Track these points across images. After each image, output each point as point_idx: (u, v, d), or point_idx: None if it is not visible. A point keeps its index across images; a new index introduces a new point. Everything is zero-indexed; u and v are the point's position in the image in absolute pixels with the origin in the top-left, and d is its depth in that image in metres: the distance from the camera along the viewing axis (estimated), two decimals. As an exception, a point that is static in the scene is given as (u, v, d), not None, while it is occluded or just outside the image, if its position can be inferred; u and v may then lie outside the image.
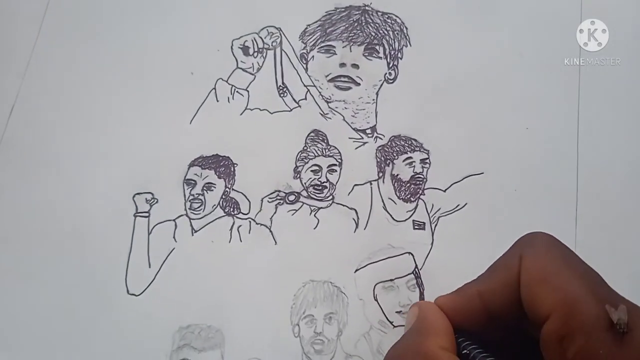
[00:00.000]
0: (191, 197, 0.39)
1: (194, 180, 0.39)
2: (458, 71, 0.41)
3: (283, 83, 0.42)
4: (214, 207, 0.39)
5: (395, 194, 0.39)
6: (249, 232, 0.38)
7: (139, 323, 0.36)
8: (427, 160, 0.39)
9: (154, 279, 0.37)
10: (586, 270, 0.23)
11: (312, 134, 0.40)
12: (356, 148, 0.40)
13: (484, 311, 0.25)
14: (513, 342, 0.25)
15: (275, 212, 0.39)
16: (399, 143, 0.40)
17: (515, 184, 0.39)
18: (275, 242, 0.38)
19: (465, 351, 0.24)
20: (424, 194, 0.39)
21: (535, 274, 0.23)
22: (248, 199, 0.39)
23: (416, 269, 0.37)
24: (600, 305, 0.21)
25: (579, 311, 0.21)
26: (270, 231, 0.38)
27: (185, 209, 0.39)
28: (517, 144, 0.39)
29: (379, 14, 0.43)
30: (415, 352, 0.24)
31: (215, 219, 0.38)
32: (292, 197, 0.39)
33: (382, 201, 0.39)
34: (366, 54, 0.42)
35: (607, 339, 0.20)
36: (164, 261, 0.37)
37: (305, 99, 0.41)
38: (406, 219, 0.38)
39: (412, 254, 0.37)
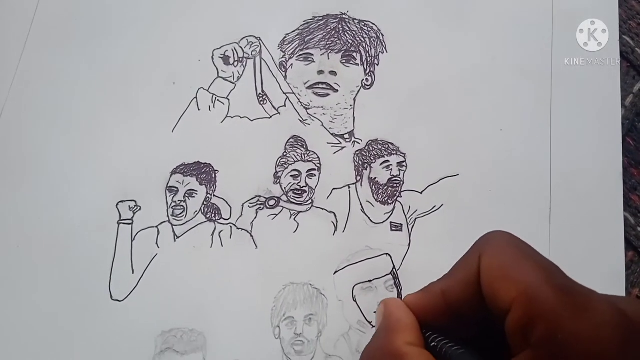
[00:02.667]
0: (173, 204, 0.40)
1: (176, 188, 0.40)
2: (433, 76, 0.42)
3: (263, 91, 0.43)
4: (196, 213, 0.40)
5: (373, 196, 0.40)
6: (230, 237, 0.39)
7: (122, 328, 0.37)
8: (404, 164, 0.40)
9: (137, 284, 0.38)
10: (543, 262, 0.24)
11: (291, 140, 0.41)
12: (334, 153, 0.41)
13: (447, 308, 0.26)
14: (479, 336, 0.26)
15: (255, 217, 0.39)
16: (376, 147, 0.41)
17: (490, 184, 0.39)
18: (256, 247, 0.39)
19: (433, 343, 0.25)
20: (401, 196, 0.40)
21: (495, 270, 0.24)
22: (229, 205, 0.40)
23: (394, 270, 0.38)
24: (557, 292, 0.22)
25: (537, 300, 0.22)
26: (251, 236, 0.39)
27: (168, 216, 0.39)
28: (492, 146, 0.40)
29: (356, 22, 0.44)
30: (384, 351, 0.25)
31: (197, 225, 0.39)
32: (272, 202, 0.40)
33: (360, 204, 0.40)
34: (344, 61, 0.43)
35: (565, 324, 0.21)
36: (147, 267, 0.38)
37: (285, 106, 0.42)
38: (384, 221, 0.39)
39: (389, 255, 0.38)
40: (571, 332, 0.21)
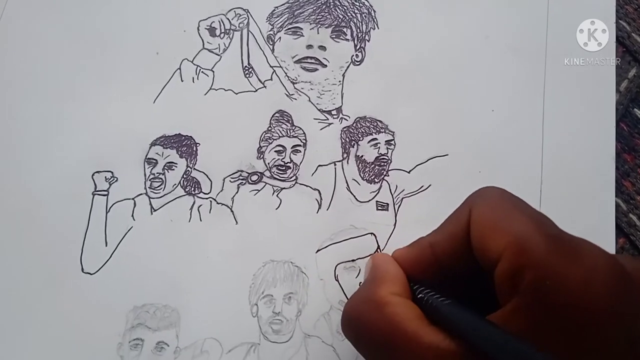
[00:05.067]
0: (151, 176, 0.38)
1: (155, 160, 0.38)
2: (425, 54, 0.41)
3: (249, 64, 0.41)
4: (175, 186, 0.38)
5: (360, 175, 0.38)
6: (210, 212, 0.37)
7: (92, 302, 0.35)
8: (392, 142, 0.39)
9: (110, 257, 0.36)
10: (534, 213, 0.24)
11: (276, 115, 0.40)
12: (321, 129, 0.40)
13: (434, 261, 0.26)
14: (468, 293, 0.25)
15: (237, 192, 0.38)
16: (364, 124, 0.40)
17: (479, 165, 0.38)
18: (236, 222, 0.37)
19: (420, 295, 0.25)
20: (388, 175, 0.38)
21: (485, 222, 0.23)
22: (210, 179, 0.38)
23: (378, 250, 0.36)
24: (547, 240, 0.21)
25: (528, 247, 0.21)
26: (232, 211, 0.37)
27: (145, 188, 0.38)
28: (483, 126, 0.39)
29: (347, -4, 0.43)
30: (367, 299, 0.25)
31: (176, 198, 0.38)
32: (254, 177, 0.38)
33: (346, 182, 0.38)
34: (333, 36, 0.42)
35: (554, 269, 0.20)
36: (121, 240, 0.37)
37: (271, 79, 0.41)
38: (369, 200, 0.38)
39: (374, 235, 0.37)
40: (560, 277, 0.20)
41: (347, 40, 0.42)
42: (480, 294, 0.24)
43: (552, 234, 0.22)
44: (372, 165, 0.39)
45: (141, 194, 0.38)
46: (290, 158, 0.39)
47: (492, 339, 0.20)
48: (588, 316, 0.20)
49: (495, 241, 0.22)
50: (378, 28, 0.42)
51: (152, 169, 0.38)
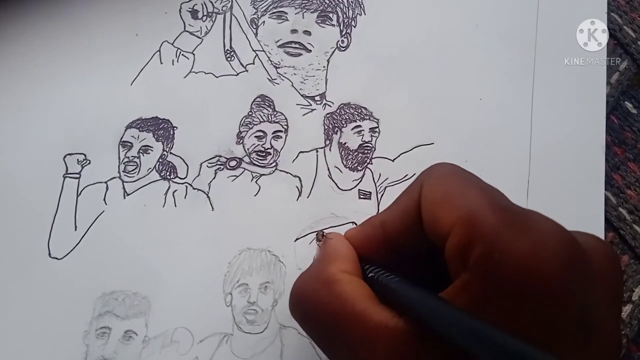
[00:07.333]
0: (126, 160, 0.37)
1: (130, 143, 0.37)
2: (411, 40, 0.40)
3: (231, 47, 0.40)
4: (149, 170, 0.37)
5: (342, 162, 0.37)
6: (185, 197, 0.36)
7: (59, 288, 0.33)
8: (377, 129, 0.38)
9: (79, 242, 0.35)
10: (486, 186, 0.23)
11: (258, 99, 0.38)
12: (303, 115, 0.38)
13: (386, 240, 0.25)
14: (419, 274, 0.24)
15: (214, 178, 0.37)
16: (348, 111, 0.38)
17: (465, 155, 0.37)
18: (212, 208, 0.36)
19: (370, 274, 0.24)
20: (372, 163, 0.37)
21: (435, 197, 0.22)
22: (186, 163, 0.37)
23: (359, 239, 0.35)
24: (497, 213, 0.20)
25: (477, 221, 0.20)
26: (208, 197, 0.36)
27: (119, 172, 0.36)
28: (470, 115, 0.38)
29: (334, -19, 0.42)
30: (316, 277, 0.24)
31: (150, 183, 0.36)
32: (233, 163, 0.37)
33: (328, 169, 0.37)
34: (319, 21, 0.41)
35: (503, 242, 0.19)
36: (92, 224, 0.35)
37: (253, 63, 0.40)
38: (352, 188, 0.37)
39: (355, 224, 0.35)
40: (508, 250, 0.19)
41: (333, 25, 0.41)
42: (433, 276, 0.23)
43: (502, 206, 0.21)
44: (355, 153, 0.37)
45: (114, 178, 0.36)
46: (270, 144, 0.37)
47: (440, 314, 0.18)
48: (537, 289, 0.18)
49: (446, 215, 0.21)
50: (365, 14, 0.41)
51: (126, 152, 0.37)
